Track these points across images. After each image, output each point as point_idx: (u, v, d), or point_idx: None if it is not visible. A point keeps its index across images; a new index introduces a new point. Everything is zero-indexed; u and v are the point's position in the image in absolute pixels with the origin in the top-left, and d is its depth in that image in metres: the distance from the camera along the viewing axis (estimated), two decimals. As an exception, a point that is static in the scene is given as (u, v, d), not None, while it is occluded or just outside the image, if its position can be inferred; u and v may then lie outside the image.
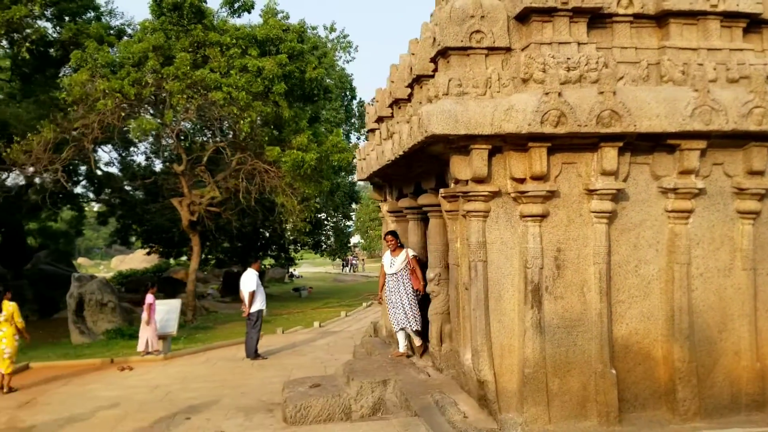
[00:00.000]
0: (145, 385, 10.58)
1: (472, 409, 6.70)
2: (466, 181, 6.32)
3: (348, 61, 24.85)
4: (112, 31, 21.63)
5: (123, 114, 18.03)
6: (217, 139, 21.19)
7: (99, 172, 25.16)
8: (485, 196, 6.26)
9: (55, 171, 19.59)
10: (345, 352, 12.94)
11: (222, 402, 9.35)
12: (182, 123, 19.42)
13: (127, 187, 27.96)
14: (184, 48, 18.78)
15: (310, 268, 59.28)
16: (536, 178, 6.11)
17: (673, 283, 6.34)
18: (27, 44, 18.80)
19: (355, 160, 11.93)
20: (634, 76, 6.35)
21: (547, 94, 5.91)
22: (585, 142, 6.11)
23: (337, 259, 47.62)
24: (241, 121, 18.28)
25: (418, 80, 7.66)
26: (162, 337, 13.58)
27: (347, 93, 30.72)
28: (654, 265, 6.42)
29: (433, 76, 7.40)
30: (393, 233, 9.95)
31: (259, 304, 12.83)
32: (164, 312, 13.84)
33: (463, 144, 6.17)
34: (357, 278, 51.06)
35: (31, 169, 19.94)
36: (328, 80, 21.13)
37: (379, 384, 8.58)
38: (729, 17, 6.32)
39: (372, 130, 11.61)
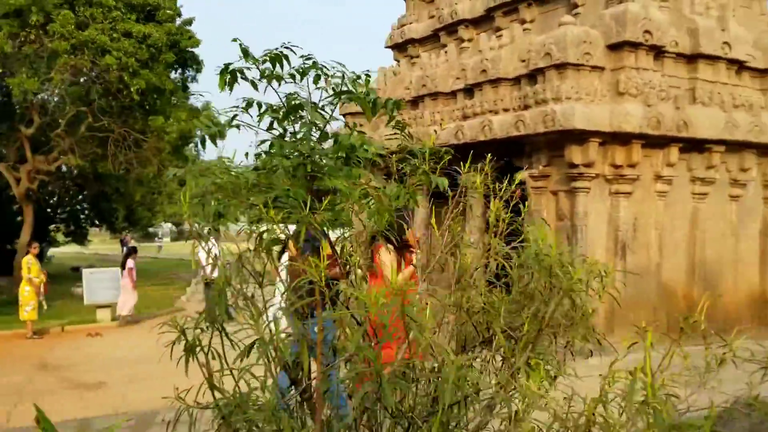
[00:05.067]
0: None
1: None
2: (577, 164, 8.40)
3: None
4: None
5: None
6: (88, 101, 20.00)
7: None
8: (591, 177, 8.42)
9: None
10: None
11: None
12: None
13: None
14: (60, 4, 17.62)
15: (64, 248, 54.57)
16: (631, 165, 8.44)
17: (695, 244, 9.14)
18: None
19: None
20: (673, 97, 8.99)
21: (649, 105, 8.27)
22: (660, 142, 8.58)
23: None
24: (132, 89, 17.79)
25: (497, 81, 9.47)
26: (107, 306, 13.31)
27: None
28: (681, 231, 9.16)
29: (513, 80, 9.34)
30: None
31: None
32: (108, 280, 13.53)
33: (583, 137, 8.25)
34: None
35: None
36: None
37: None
38: (731, 62, 9.26)
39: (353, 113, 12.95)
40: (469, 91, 10.17)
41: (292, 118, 2.57)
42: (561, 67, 8.49)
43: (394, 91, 11.90)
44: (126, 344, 11.42)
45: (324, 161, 2.47)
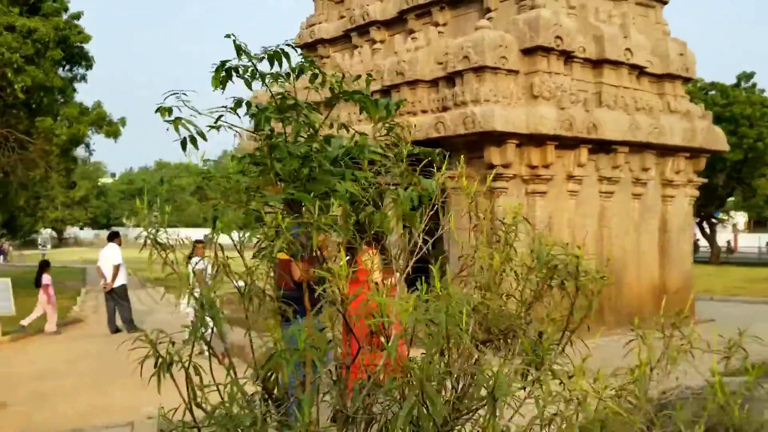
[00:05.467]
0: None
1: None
2: (495, 165, 8.61)
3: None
4: None
5: None
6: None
7: None
8: (509, 177, 8.66)
9: None
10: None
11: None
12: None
13: None
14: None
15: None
16: (545, 165, 8.75)
17: (603, 241, 9.60)
18: None
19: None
20: (583, 100, 9.41)
21: (562, 108, 8.61)
22: (572, 143, 8.95)
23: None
24: (16, 86, 16.65)
25: (415, 83, 9.56)
26: (-5, 320, 12.38)
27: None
28: (591, 228, 9.58)
29: (430, 82, 9.47)
30: None
31: (123, 278, 12.73)
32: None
33: (502, 138, 8.47)
34: (8, 267, 45.73)
35: None
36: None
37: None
38: (633, 67, 9.79)
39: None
40: (385, 92, 10.20)
41: (287, 118, 2.47)
42: (479, 70, 8.67)
43: (299, 91, 11.73)
44: (22, 359, 10.66)
45: (323, 163, 2.38)
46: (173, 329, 2.54)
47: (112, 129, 19.85)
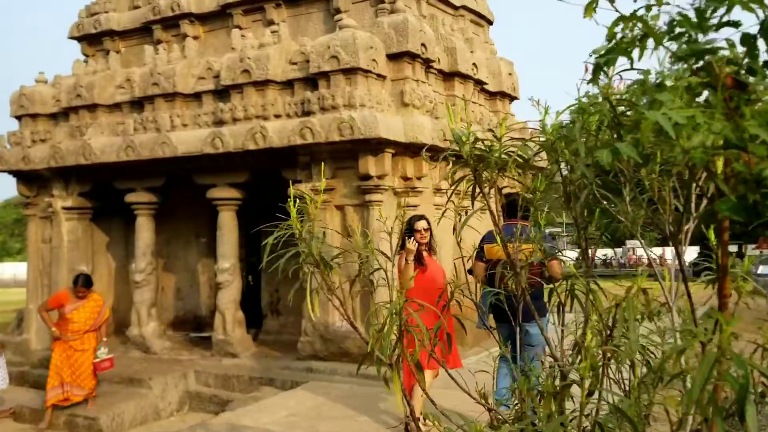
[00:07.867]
0: None
1: (351, 367, 8.11)
2: (371, 177, 7.87)
3: None
4: None
5: None
6: None
7: None
8: (384, 189, 7.98)
9: None
10: None
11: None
12: None
13: None
14: None
15: None
16: (419, 177, 8.23)
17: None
18: None
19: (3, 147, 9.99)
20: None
21: (437, 118, 8.18)
22: (439, 155, 8.55)
23: None
24: None
25: (264, 84, 8.38)
26: None
27: None
28: (448, 244, 9.28)
29: (284, 84, 8.45)
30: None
31: None
32: None
33: (379, 147, 7.76)
34: None
35: None
36: None
37: (181, 378, 8.59)
38: (477, 82, 9.77)
39: (34, 115, 10.35)
40: (222, 93, 8.82)
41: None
42: (350, 72, 7.87)
43: (104, 88, 9.76)
44: None
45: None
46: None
47: None
